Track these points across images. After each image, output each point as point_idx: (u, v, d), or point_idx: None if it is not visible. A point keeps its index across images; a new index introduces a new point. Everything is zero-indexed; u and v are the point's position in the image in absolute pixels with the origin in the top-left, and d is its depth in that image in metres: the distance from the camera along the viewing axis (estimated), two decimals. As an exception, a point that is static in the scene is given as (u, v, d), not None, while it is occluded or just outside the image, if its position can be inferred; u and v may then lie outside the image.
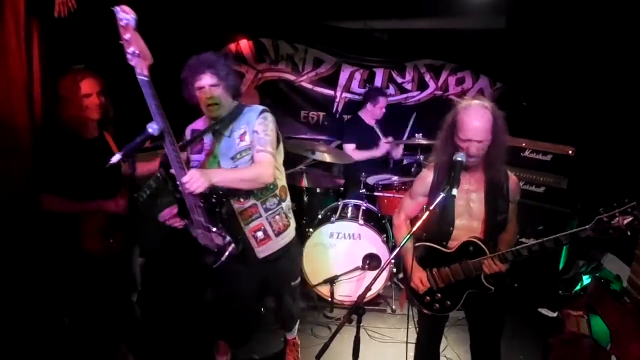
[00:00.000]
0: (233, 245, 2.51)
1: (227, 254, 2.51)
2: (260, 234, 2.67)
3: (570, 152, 4.19)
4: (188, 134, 2.71)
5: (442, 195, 2.12)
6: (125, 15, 2.09)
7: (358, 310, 1.95)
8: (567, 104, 4.56)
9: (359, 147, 4.85)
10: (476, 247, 2.44)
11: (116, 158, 2.10)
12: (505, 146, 2.38)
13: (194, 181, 2.22)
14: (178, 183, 2.32)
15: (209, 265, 2.59)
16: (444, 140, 2.43)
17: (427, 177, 2.56)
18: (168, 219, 2.59)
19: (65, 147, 2.76)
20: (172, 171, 2.33)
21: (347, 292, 4.09)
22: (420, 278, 2.53)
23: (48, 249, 2.99)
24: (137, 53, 2.09)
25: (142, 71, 2.08)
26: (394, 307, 4.08)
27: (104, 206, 2.75)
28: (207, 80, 2.45)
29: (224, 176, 2.43)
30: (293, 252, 2.91)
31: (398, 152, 5.18)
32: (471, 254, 2.44)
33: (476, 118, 2.28)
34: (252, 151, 2.52)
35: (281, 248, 2.78)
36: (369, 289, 2.00)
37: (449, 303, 2.54)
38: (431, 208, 2.09)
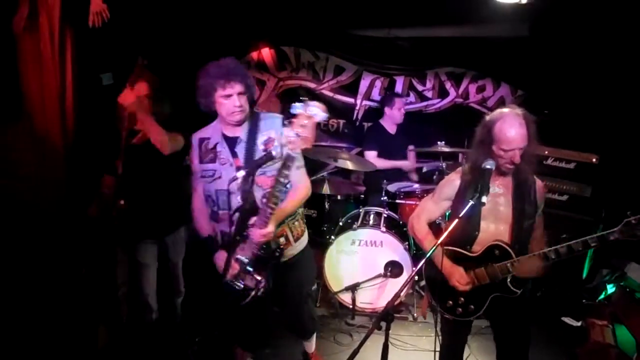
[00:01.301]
0: (263, 284, 2.53)
1: (253, 294, 2.55)
2: (282, 240, 2.67)
3: (594, 159, 4.16)
4: (195, 142, 2.68)
5: (471, 202, 2.13)
6: (318, 111, 2.20)
7: (387, 316, 1.97)
8: (590, 111, 4.53)
9: (381, 155, 4.86)
10: (502, 250, 2.44)
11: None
12: (535, 151, 2.43)
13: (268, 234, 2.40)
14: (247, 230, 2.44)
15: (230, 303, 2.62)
16: (480, 152, 2.43)
17: (455, 180, 2.58)
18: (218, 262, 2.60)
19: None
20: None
21: (368, 299, 4.10)
22: (458, 276, 2.48)
23: (87, 248, 3.15)
24: (302, 137, 2.18)
25: (294, 149, 2.21)
26: (415, 314, 4.08)
27: None
28: (237, 88, 2.44)
29: (287, 212, 2.56)
30: (307, 257, 2.90)
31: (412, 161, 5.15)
32: (497, 258, 2.45)
33: (515, 126, 2.33)
34: (285, 161, 2.38)
35: (298, 252, 2.79)
36: (397, 295, 2.02)
37: (472, 307, 2.54)
38: (460, 215, 2.10)
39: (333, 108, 5.89)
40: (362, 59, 5.74)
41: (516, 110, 2.39)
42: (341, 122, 5.95)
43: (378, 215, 4.29)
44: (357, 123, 5.92)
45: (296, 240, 2.75)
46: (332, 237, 4.16)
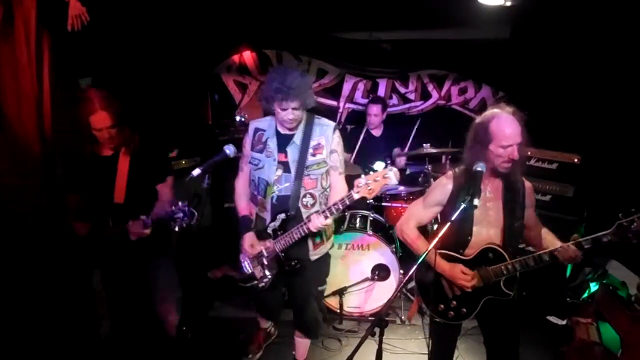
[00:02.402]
0: (267, 280, 2.88)
1: (255, 284, 2.92)
2: (317, 239, 2.92)
3: (576, 160, 4.21)
4: (251, 130, 2.91)
5: (463, 205, 2.13)
6: (393, 177, 2.43)
7: (380, 323, 1.95)
8: (571, 112, 4.59)
9: (359, 158, 4.83)
10: (495, 253, 2.46)
11: (196, 172, 2.40)
12: (525, 152, 2.46)
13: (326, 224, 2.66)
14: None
15: (235, 278, 3.02)
16: (476, 153, 2.43)
17: (447, 184, 2.56)
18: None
19: (78, 163, 2.82)
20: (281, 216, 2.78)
21: (355, 303, 4.08)
22: (461, 275, 2.47)
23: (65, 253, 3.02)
24: (369, 188, 2.46)
25: (358, 192, 2.49)
26: (403, 317, 4.08)
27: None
28: (293, 105, 2.63)
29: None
30: (326, 258, 3.08)
31: (401, 161, 5.17)
32: (490, 260, 2.46)
33: (511, 122, 2.36)
34: (329, 167, 2.83)
35: (325, 253, 3.02)
36: (390, 302, 2.01)
37: (464, 310, 2.54)
38: (452, 219, 2.10)
39: (316, 111, 5.85)
40: (345, 61, 5.76)
41: (508, 108, 2.42)
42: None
43: (364, 218, 4.27)
44: (341, 126, 5.90)
45: (328, 239, 3.01)
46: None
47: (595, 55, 4.28)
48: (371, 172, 2.45)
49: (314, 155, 2.78)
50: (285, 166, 2.80)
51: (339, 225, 4.23)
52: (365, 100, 5.71)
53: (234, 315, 4.14)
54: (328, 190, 2.88)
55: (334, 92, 5.86)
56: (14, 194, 3.06)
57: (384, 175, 2.41)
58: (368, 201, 4.34)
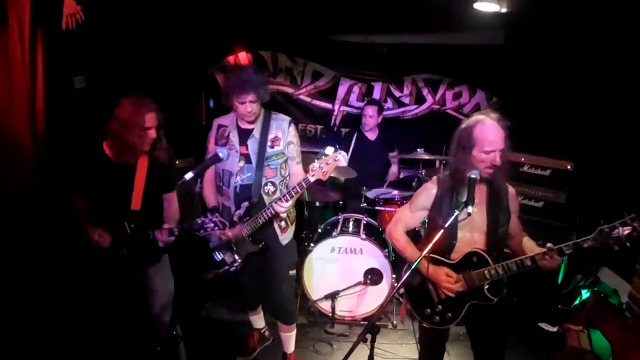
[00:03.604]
0: (237, 264, 3.06)
1: (226, 268, 3.09)
2: (282, 223, 3.13)
3: (569, 167, 4.23)
4: (215, 126, 3.12)
5: (457, 212, 2.13)
6: (343, 160, 2.66)
7: (372, 329, 1.95)
8: (565, 119, 4.61)
9: (351, 161, 4.77)
10: (479, 257, 2.46)
11: (189, 175, 2.41)
12: (508, 158, 2.46)
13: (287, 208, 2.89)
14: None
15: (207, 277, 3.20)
16: (460, 158, 2.46)
17: (432, 189, 2.58)
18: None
19: (92, 167, 2.77)
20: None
21: (348, 307, 4.07)
22: (445, 278, 2.48)
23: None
24: (323, 170, 2.70)
25: (313, 175, 2.72)
26: (394, 322, 4.07)
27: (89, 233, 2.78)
28: (249, 97, 2.86)
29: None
30: (292, 244, 3.29)
31: (394, 166, 5.17)
32: (474, 264, 2.47)
33: (494, 128, 2.39)
34: (286, 158, 3.07)
35: (290, 240, 3.23)
36: (382, 308, 2.00)
37: (449, 315, 2.54)
38: (446, 226, 2.10)
39: (311, 113, 5.89)
40: (340, 64, 5.75)
41: (492, 114, 2.45)
42: (319, 127, 5.95)
43: (357, 222, 4.26)
44: (335, 129, 5.91)
45: (292, 223, 3.24)
46: (312, 244, 4.12)
47: (589, 61, 4.30)
48: (323, 157, 2.69)
49: (272, 147, 3.02)
50: (246, 158, 3.02)
51: (332, 229, 4.22)
52: (360, 104, 5.72)
53: (227, 317, 4.12)
54: (287, 178, 3.13)
55: (329, 94, 5.85)
56: (3, 197, 3.03)
57: (335, 159, 2.66)
58: (361, 205, 4.35)
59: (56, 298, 3.24)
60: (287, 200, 2.85)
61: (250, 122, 3.02)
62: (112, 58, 4.08)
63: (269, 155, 3.02)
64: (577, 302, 4.12)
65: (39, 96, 3.16)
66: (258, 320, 3.67)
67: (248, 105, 2.89)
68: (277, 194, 3.04)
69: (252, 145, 3.01)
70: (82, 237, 2.82)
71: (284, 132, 3.04)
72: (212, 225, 2.60)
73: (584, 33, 4.20)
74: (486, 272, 2.44)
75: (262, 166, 3.00)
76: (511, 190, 2.59)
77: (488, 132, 2.38)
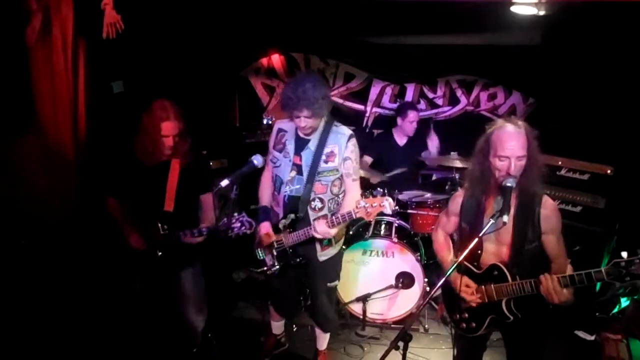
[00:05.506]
0: (274, 269, 3.07)
1: (264, 269, 3.11)
2: (325, 241, 3.05)
3: (609, 171, 4.10)
4: (275, 130, 3.09)
5: (492, 221, 2.10)
6: (388, 207, 2.66)
7: (405, 336, 1.95)
8: (604, 122, 4.48)
9: (380, 164, 4.74)
10: (500, 271, 2.39)
11: (224, 182, 2.46)
12: (539, 168, 2.34)
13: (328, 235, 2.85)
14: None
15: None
16: (477, 162, 2.41)
17: (459, 196, 2.57)
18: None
19: (126, 168, 2.89)
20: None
21: (379, 310, 4.07)
22: (463, 288, 2.43)
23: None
24: (368, 211, 2.68)
25: (357, 212, 2.70)
26: (426, 326, 4.04)
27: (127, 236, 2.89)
28: (304, 113, 2.76)
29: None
30: (338, 256, 3.24)
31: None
32: (495, 278, 2.40)
33: (512, 134, 2.27)
34: (341, 174, 2.95)
35: (335, 254, 3.17)
36: (414, 315, 2.00)
37: (473, 324, 2.51)
38: (481, 234, 2.08)
39: (342, 115, 5.87)
40: (373, 65, 5.74)
41: (517, 121, 2.34)
42: (351, 129, 5.91)
43: (389, 225, 4.25)
44: (367, 130, 5.90)
45: (337, 242, 3.16)
46: (343, 246, 4.11)
47: (629, 63, 4.16)
48: (370, 197, 2.77)
49: (326, 162, 2.91)
50: (298, 169, 2.95)
51: (364, 231, 4.23)
52: (392, 105, 5.69)
53: (257, 317, 4.17)
54: (340, 196, 3.03)
55: (361, 96, 5.84)
56: (44, 194, 3.15)
57: (381, 204, 2.61)
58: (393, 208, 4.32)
59: (93, 298, 3.35)
60: (330, 226, 2.80)
61: (307, 134, 2.94)
62: (148, 63, 4.19)
63: (322, 171, 2.91)
64: (615, 310, 3.99)
65: (81, 101, 3.29)
66: (278, 326, 3.68)
67: (302, 120, 2.80)
68: (325, 211, 2.97)
69: (307, 157, 2.92)
70: (119, 237, 2.93)
71: (341, 148, 2.91)
72: (238, 225, 2.63)
73: (623, 34, 4.07)
74: (503, 288, 2.37)
75: (313, 181, 2.90)
76: (549, 205, 2.37)
77: (505, 137, 2.26)
